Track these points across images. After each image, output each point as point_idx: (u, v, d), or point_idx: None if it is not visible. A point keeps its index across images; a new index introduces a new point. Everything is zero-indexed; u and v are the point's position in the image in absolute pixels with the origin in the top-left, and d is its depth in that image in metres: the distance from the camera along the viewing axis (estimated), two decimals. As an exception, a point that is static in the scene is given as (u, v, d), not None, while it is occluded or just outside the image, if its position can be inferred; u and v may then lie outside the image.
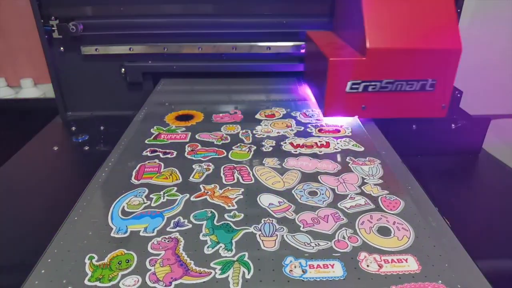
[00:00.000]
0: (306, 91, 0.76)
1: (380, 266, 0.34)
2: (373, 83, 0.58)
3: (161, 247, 0.36)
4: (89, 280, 0.33)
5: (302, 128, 0.61)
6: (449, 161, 0.67)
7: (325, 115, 0.61)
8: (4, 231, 0.50)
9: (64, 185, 0.61)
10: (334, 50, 0.61)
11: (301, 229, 0.39)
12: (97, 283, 0.33)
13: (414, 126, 0.65)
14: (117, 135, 0.60)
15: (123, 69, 0.82)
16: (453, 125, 0.65)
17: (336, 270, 0.34)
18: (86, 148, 0.71)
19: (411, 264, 0.35)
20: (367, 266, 0.34)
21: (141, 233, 0.38)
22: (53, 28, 0.77)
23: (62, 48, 0.80)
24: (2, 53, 1.24)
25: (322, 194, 0.45)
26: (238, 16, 0.79)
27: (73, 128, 0.79)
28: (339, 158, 0.52)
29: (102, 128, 0.78)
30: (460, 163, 0.67)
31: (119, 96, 0.84)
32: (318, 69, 0.65)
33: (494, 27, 1.04)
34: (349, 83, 0.58)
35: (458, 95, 0.71)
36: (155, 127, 0.61)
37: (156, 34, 0.80)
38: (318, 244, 0.37)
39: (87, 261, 0.35)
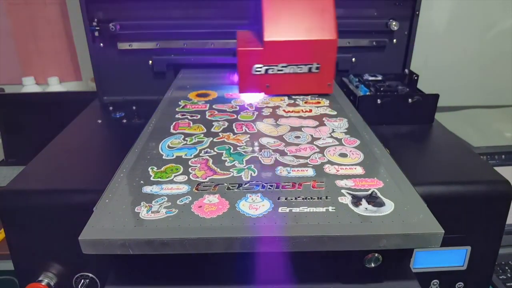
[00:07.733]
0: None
1: (337, 171, 0.54)
2: (271, 67, 0.78)
3: (197, 163, 0.56)
4: (153, 178, 0.53)
5: (293, 101, 0.81)
6: (407, 128, 0.86)
7: (240, 92, 0.82)
8: (78, 166, 0.69)
9: (115, 141, 0.81)
10: (244, 43, 0.81)
11: (288, 154, 0.59)
12: (159, 179, 0.52)
13: (378, 100, 0.84)
14: (147, 112, 0.78)
15: (150, 61, 1.02)
16: (410, 99, 0.85)
17: (309, 172, 0.53)
18: (124, 121, 0.90)
19: (358, 170, 0.54)
20: (329, 170, 0.54)
21: (183, 157, 0.58)
22: (96, 28, 0.97)
23: (101, 44, 1.01)
24: (32, 55, 1.43)
25: (304, 137, 0.64)
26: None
27: (111, 108, 0.98)
28: (317, 118, 0.72)
29: (134, 108, 0.97)
30: (416, 129, 0.86)
31: (146, 84, 1.04)
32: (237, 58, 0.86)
33: (465, 33, 1.27)
34: (254, 67, 0.78)
35: (415, 78, 0.90)
36: (181, 101, 0.81)
37: (177, 33, 1.00)
38: (299, 161, 0.56)
39: (149, 169, 0.55)
